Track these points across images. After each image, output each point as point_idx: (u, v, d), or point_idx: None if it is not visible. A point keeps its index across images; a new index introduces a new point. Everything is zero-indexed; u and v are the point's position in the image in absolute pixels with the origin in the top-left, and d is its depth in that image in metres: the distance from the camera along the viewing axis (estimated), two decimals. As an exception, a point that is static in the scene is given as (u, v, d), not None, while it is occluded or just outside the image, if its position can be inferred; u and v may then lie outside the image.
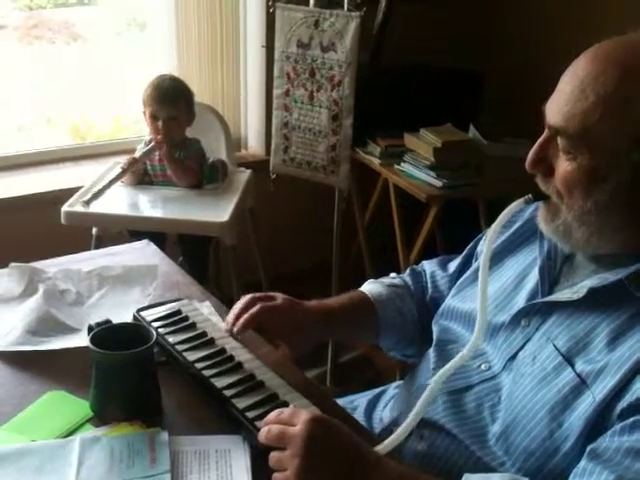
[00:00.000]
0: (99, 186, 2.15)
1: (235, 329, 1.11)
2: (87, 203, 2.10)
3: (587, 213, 0.89)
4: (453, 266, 1.28)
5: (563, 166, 0.90)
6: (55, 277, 1.36)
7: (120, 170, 2.23)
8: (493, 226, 1.01)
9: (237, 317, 1.12)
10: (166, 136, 2.29)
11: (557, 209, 0.94)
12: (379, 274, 1.36)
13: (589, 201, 0.89)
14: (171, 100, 2.30)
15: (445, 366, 0.98)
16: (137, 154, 2.29)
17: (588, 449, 0.83)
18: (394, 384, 1.33)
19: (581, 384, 0.87)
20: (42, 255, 1.49)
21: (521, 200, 0.98)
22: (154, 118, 2.30)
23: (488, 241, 1.01)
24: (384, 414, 1.23)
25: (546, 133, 0.93)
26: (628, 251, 0.91)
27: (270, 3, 2.30)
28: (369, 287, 1.28)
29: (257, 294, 1.15)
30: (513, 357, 0.98)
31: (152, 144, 2.29)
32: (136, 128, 3.19)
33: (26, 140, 3.05)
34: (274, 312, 1.12)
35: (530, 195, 0.98)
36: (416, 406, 0.94)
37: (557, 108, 0.90)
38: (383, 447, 0.89)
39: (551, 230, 0.96)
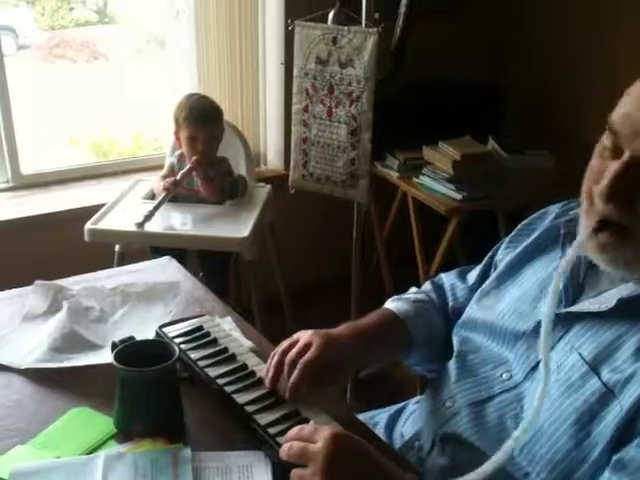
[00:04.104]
0: (150, 208, 2.19)
1: (288, 396, 1.04)
2: (141, 225, 2.14)
3: None
4: (472, 277, 1.27)
5: None
6: (79, 294, 1.38)
7: (165, 192, 2.26)
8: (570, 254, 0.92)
9: (288, 385, 1.04)
10: (206, 155, 2.32)
11: (629, 235, 0.87)
12: (398, 288, 1.35)
13: None
14: (209, 120, 2.34)
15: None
16: (178, 176, 2.31)
17: (613, 460, 0.82)
18: (414, 399, 1.32)
19: (608, 393, 0.86)
20: (66, 272, 1.51)
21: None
22: (192, 139, 2.32)
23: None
24: (405, 429, 1.23)
25: (624, 162, 0.85)
26: None
27: (289, 21, 2.33)
28: (395, 304, 1.25)
29: (292, 353, 1.06)
30: (535, 367, 0.98)
31: (190, 165, 2.32)
32: (156, 145, 3.23)
33: (49, 158, 3.10)
34: (314, 365, 1.06)
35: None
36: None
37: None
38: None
39: (609, 258, 0.90)
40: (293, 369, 1.05)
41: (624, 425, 0.83)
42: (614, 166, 0.86)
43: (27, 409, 1.08)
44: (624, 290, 0.91)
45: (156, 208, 2.19)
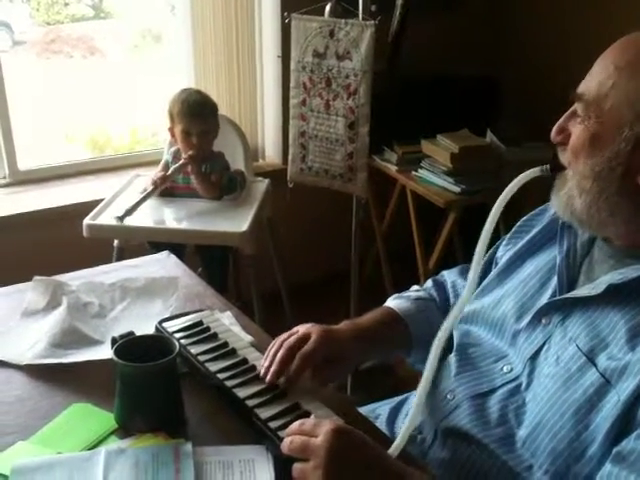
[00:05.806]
0: (132, 202, 2.17)
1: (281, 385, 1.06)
2: (121, 219, 2.12)
3: (586, 178, 0.93)
4: None
5: (576, 131, 0.95)
6: (78, 290, 1.37)
7: (152, 187, 2.25)
8: (506, 190, 1.04)
9: (278, 372, 1.05)
10: (200, 150, 2.31)
11: (565, 178, 0.97)
12: (398, 282, 1.35)
13: (588, 165, 0.92)
14: (203, 114, 2.32)
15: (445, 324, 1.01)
16: (169, 171, 2.31)
17: (614, 452, 0.82)
18: (416, 392, 1.32)
19: (606, 384, 0.86)
20: (64, 268, 1.51)
21: (537, 169, 1.00)
22: (186, 134, 2.31)
23: (500, 200, 1.05)
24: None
25: (573, 106, 0.97)
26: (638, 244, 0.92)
27: (285, 14, 2.32)
28: (395, 302, 1.25)
29: (290, 340, 1.08)
30: (534, 356, 0.98)
31: (183, 160, 2.31)
32: (153, 140, 3.22)
33: (46, 153, 3.09)
34: (313, 357, 1.07)
35: (547, 165, 1.00)
36: (422, 379, 0.97)
37: (584, 80, 0.95)
38: (394, 449, 0.90)
39: (557, 201, 0.99)
40: (288, 355, 1.06)
41: (622, 416, 0.83)
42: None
43: (27, 405, 1.08)
44: (616, 276, 0.92)
45: (139, 203, 2.17)
